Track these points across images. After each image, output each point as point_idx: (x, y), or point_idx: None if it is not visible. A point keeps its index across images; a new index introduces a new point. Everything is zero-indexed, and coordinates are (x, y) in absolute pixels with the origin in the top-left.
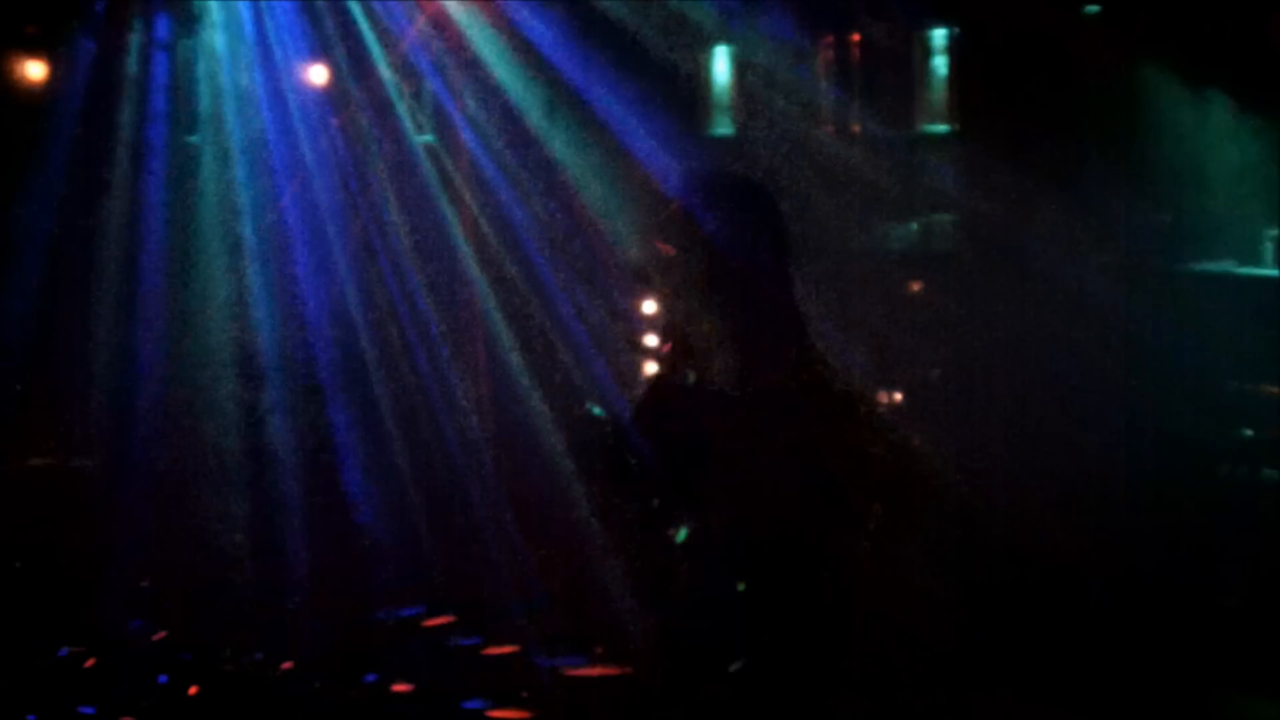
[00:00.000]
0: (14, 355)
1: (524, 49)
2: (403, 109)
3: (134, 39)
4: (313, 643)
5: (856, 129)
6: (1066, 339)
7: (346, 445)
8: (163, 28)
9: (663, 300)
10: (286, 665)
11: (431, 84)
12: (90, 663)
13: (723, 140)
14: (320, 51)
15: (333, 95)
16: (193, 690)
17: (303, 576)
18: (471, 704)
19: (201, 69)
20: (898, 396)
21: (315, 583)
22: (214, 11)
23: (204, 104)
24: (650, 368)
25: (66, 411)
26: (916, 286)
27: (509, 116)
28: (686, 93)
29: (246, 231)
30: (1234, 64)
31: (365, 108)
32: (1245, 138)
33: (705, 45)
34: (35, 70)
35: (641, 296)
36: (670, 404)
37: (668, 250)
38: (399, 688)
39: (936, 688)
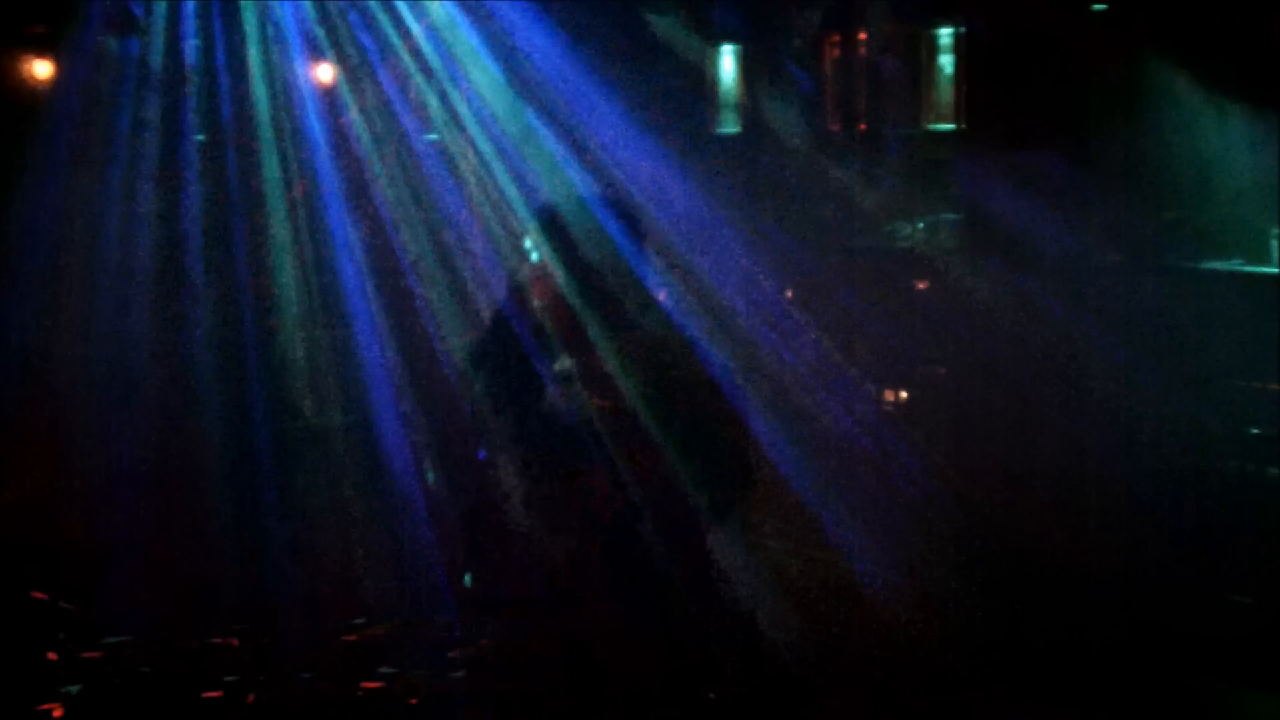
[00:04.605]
0: (14, 355)
1: (528, 47)
2: (406, 108)
3: (138, 38)
4: (312, 641)
5: (862, 127)
6: (1071, 336)
7: (343, 443)
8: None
9: None
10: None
11: (435, 84)
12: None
13: (728, 138)
14: (328, 50)
15: (340, 94)
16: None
17: (301, 576)
18: (472, 704)
19: (207, 67)
20: (903, 394)
21: (313, 582)
22: (220, 10)
23: (213, 101)
24: None
25: (67, 411)
26: (922, 285)
27: (511, 114)
28: (693, 91)
29: (251, 230)
30: (1241, 62)
31: (372, 106)
32: (1253, 136)
33: (712, 44)
34: (40, 69)
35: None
36: None
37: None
38: (401, 687)
39: (936, 687)
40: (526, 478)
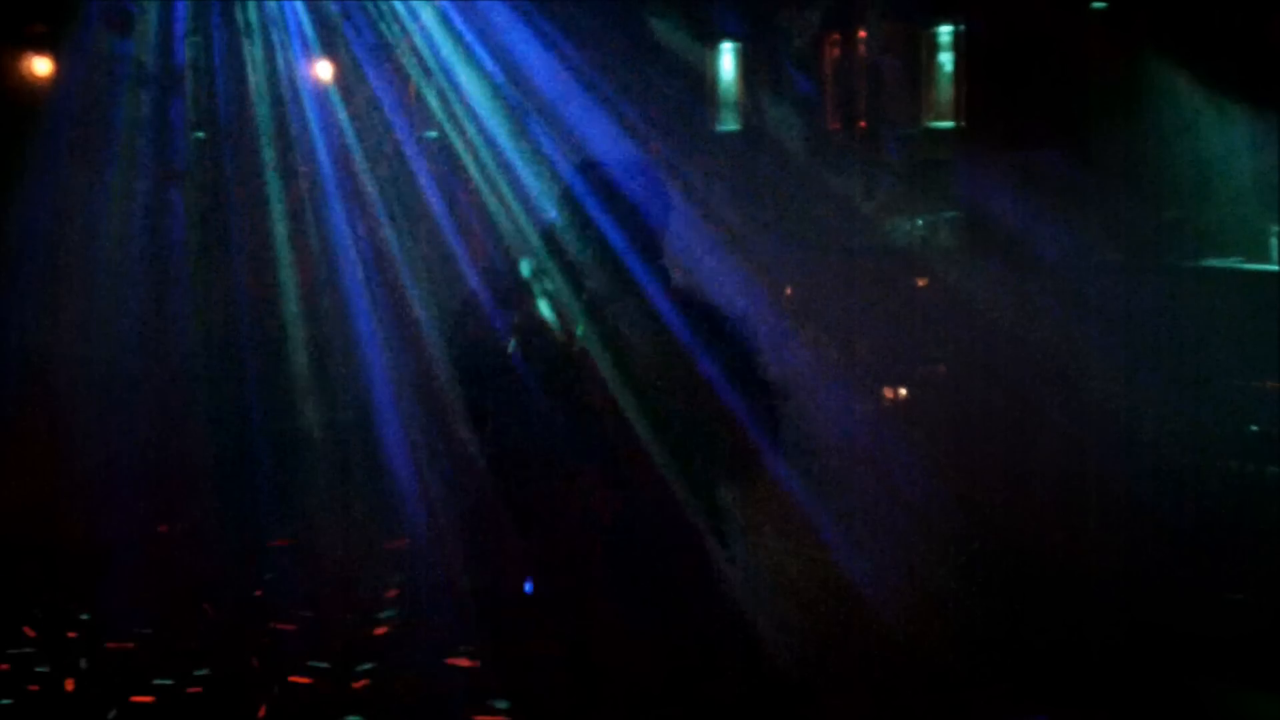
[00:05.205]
0: (14, 355)
1: (528, 47)
2: (405, 107)
3: (138, 37)
4: (312, 639)
5: (862, 125)
6: (1071, 335)
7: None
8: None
9: None
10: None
11: (433, 83)
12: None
13: (728, 137)
14: (326, 48)
15: (339, 91)
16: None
17: (301, 575)
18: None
19: (206, 65)
20: (903, 392)
21: (314, 581)
22: (218, 8)
23: (210, 99)
24: None
25: (67, 411)
26: (922, 283)
27: (510, 113)
28: (692, 91)
29: (250, 229)
30: (1241, 62)
31: (370, 103)
32: (1253, 136)
33: (711, 43)
34: (40, 68)
35: None
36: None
37: None
38: (401, 687)
39: (936, 687)
40: (526, 477)
